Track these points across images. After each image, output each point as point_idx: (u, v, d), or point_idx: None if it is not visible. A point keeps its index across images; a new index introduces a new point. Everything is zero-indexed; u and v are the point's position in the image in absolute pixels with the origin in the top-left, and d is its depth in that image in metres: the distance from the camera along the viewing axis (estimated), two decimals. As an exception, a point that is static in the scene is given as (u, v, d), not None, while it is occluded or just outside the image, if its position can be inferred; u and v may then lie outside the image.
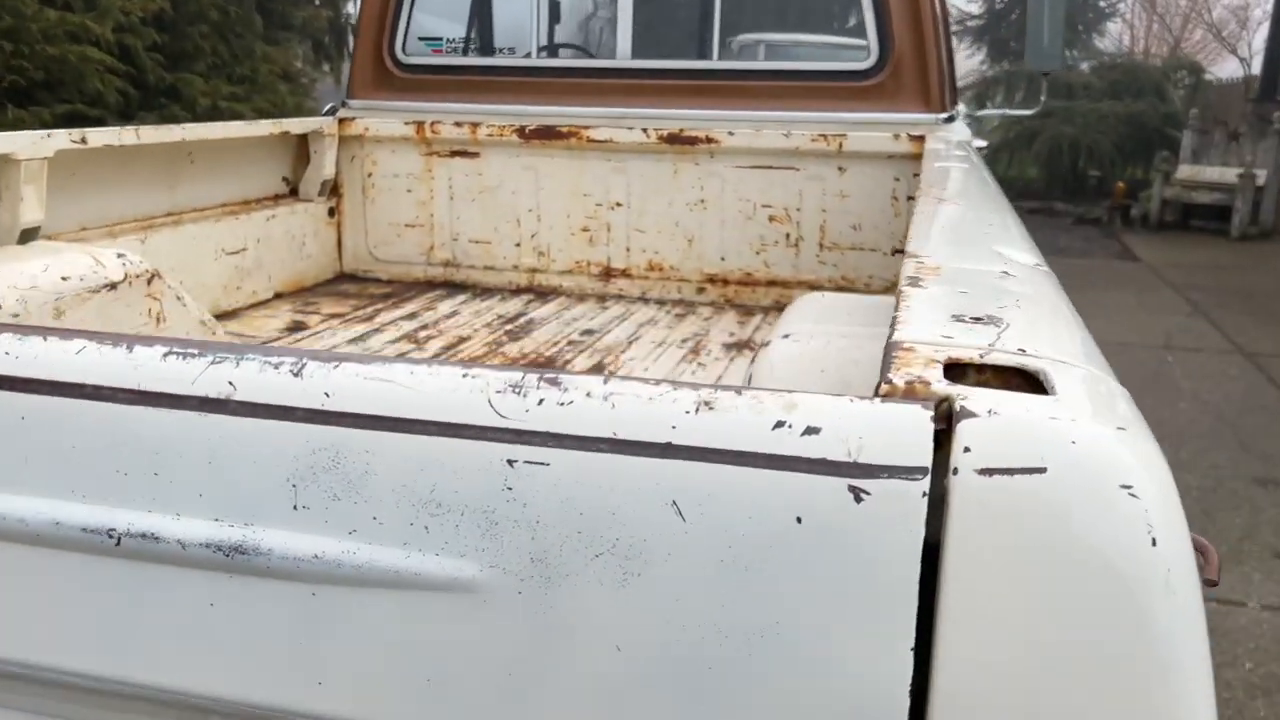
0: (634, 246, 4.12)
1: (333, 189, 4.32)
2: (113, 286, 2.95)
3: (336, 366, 0.84)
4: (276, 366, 0.85)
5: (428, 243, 4.30)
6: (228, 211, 3.87)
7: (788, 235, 3.95)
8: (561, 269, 4.20)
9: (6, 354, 0.87)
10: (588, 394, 0.81)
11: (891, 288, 3.99)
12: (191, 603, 0.85)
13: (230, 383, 0.84)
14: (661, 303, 4.07)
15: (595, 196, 4.12)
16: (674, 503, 0.77)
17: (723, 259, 4.03)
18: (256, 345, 0.86)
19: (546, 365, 3.40)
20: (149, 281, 3.08)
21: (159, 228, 3.58)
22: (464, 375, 0.83)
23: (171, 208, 3.72)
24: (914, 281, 1.14)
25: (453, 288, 4.26)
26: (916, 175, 3.64)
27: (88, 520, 0.84)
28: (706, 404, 0.79)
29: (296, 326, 3.73)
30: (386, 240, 4.33)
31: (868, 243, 3.89)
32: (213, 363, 0.86)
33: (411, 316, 3.84)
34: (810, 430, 0.77)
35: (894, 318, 0.99)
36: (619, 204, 4.10)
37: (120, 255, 3.03)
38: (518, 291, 4.21)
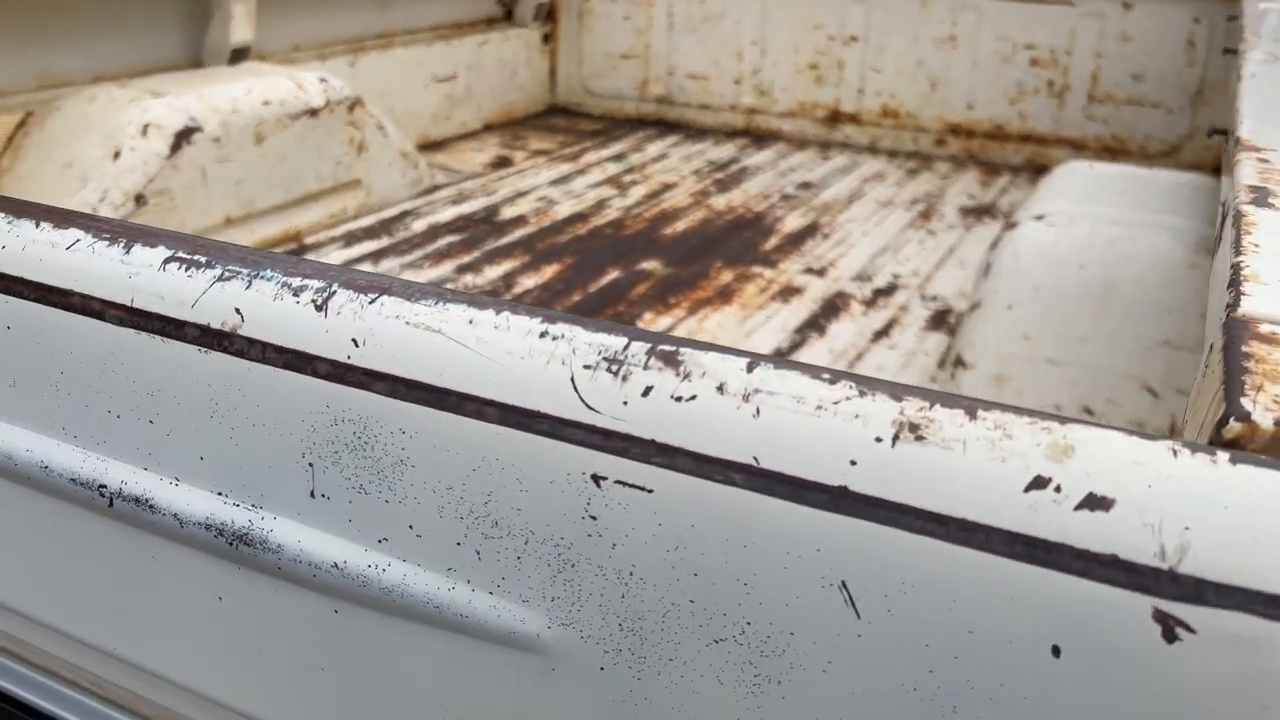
0: (868, 88, 3.60)
1: (548, 14, 4.01)
2: (313, 113, 2.82)
3: (373, 300, 0.57)
4: (297, 292, 0.59)
5: (641, 76, 3.94)
6: (439, 35, 3.65)
7: (1051, 83, 3.31)
8: (783, 111, 3.75)
9: None
10: (720, 388, 0.50)
11: (1172, 153, 3.30)
12: (196, 591, 0.64)
13: (238, 309, 0.59)
14: (893, 154, 3.57)
15: (828, 29, 3.60)
16: (843, 585, 0.47)
17: (970, 107, 3.46)
18: (280, 256, 0.61)
19: (754, 221, 3.04)
20: (350, 108, 2.93)
21: (369, 50, 3.42)
22: (543, 334, 0.53)
23: (383, 29, 3.54)
24: (1261, 197, 0.72)
25: (664, 127, 3.91)
26: (1232, 18, 2.90)
27: (79, 470, 0.64)
28: (912, 429, 0.46)
29: (501, 162, 3.52)
30: (600, 72, 4.01)
31: (1149, 96, 3.20)
32: (220, 278, 0.60)
33: (619, 158, 3.55)
34: (1094, 502, 0.43)
35: (1234, 267, 0.60)
36: (854, 38, 3.57)
37: (322, 80, 2.88)
38: (732, 134, 3.81)
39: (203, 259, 0.62)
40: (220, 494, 0.61)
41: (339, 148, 2.92)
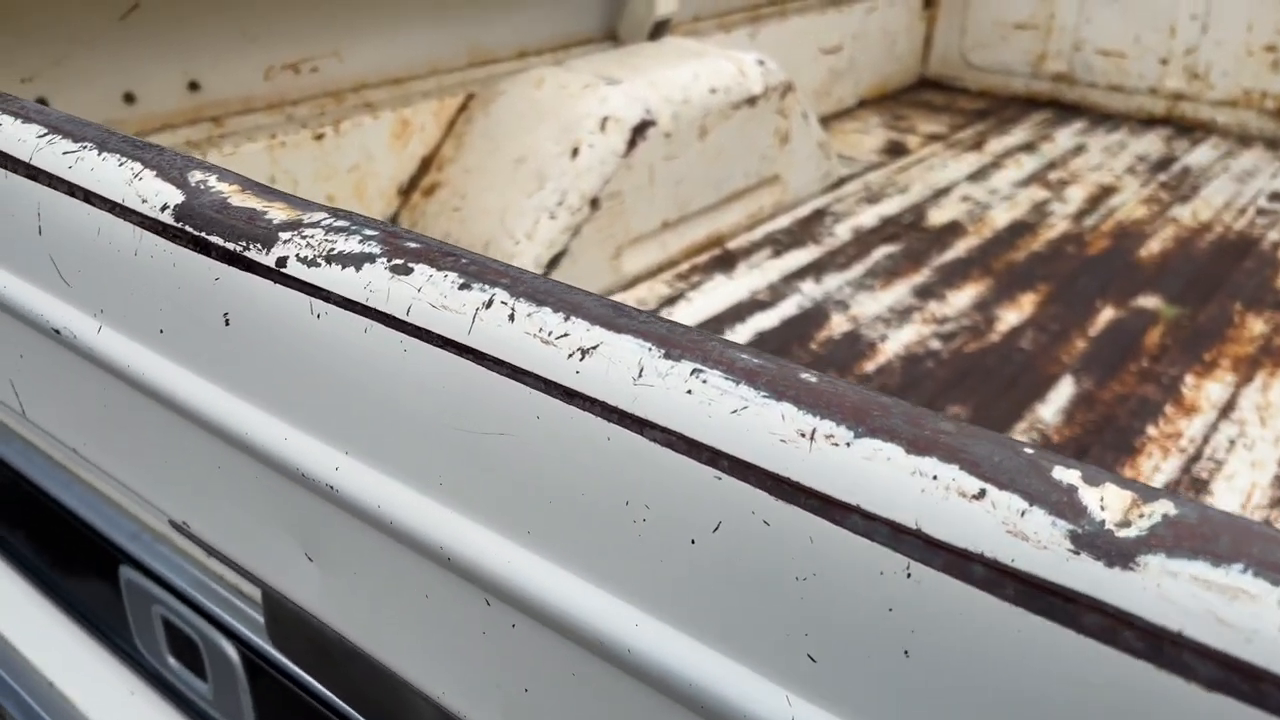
0: (1344, 78, 2.89)
1: (932, -25, 3.41)
2: (752, 101, 2.36)
3: None
4: None
5: (1039, 49, 3.31)
6: (830, 1, 3.11)
7: None
8: (1219, 98, 3.07)
9: None
10: None
11: None
12: None
13: None
14: (1370, 161, 2.87)
15: (1302, 5, 2.90)
16: None
17: None
18: None
19: (1244, 245, 2.44)
20: (783, 95, 2.46)
21: (766, 19, 2.92)
22: None
23: (777, -6, 3.03)
24: None
25: (1061, 109, 3.29)
26: None
27: None
28: None
29: (895, 149, 3.00)
30: (986, 42, 3.40)
31: None
32: None
33: (1028, 148, 2.97)
34: None
35: None
36: (1336, 18, 2.86)
37: (760, 62, 2.41)
38: (1149, 123, 3.16)
39: None
40: None
41: (766, 139, 2.46)
